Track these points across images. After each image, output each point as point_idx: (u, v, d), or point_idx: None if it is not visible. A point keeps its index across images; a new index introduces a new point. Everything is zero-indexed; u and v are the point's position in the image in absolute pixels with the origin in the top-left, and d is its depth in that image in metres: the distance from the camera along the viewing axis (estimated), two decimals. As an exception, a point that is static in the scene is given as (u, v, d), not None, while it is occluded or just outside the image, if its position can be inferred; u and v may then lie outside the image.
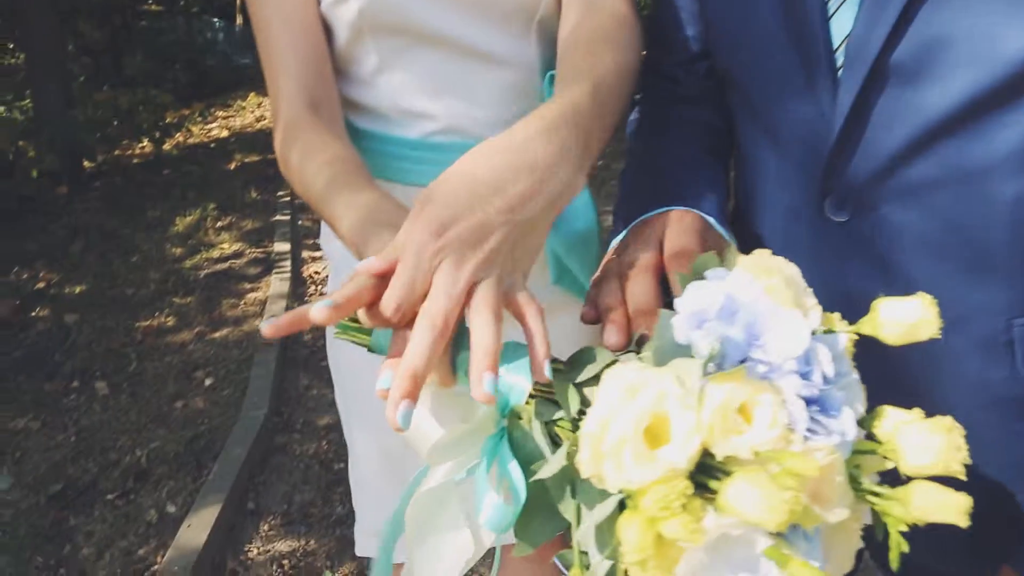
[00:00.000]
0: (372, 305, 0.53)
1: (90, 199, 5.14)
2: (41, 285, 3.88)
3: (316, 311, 0.50)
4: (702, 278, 0.51)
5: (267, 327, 0.51)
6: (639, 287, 0.59)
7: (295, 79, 0.81)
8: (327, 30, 0.85)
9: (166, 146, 6.27)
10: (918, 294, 0.49)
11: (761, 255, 0.52)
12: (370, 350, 0.58)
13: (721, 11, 0.75)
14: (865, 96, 0.61)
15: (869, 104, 0.62)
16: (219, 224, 4.63)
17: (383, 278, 0.53)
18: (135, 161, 6.05)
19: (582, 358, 0.53)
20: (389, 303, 0.51)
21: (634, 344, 0.56)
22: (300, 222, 4.60)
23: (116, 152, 6.08)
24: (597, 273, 0.65)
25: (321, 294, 3.68)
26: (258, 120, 7.15)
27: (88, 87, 6.47)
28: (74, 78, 6.00)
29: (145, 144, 6.24)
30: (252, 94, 7.96)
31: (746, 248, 0.55)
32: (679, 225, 0.64)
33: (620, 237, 0.69)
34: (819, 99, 0.64)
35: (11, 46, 8.09)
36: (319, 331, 3.32)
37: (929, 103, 0.59)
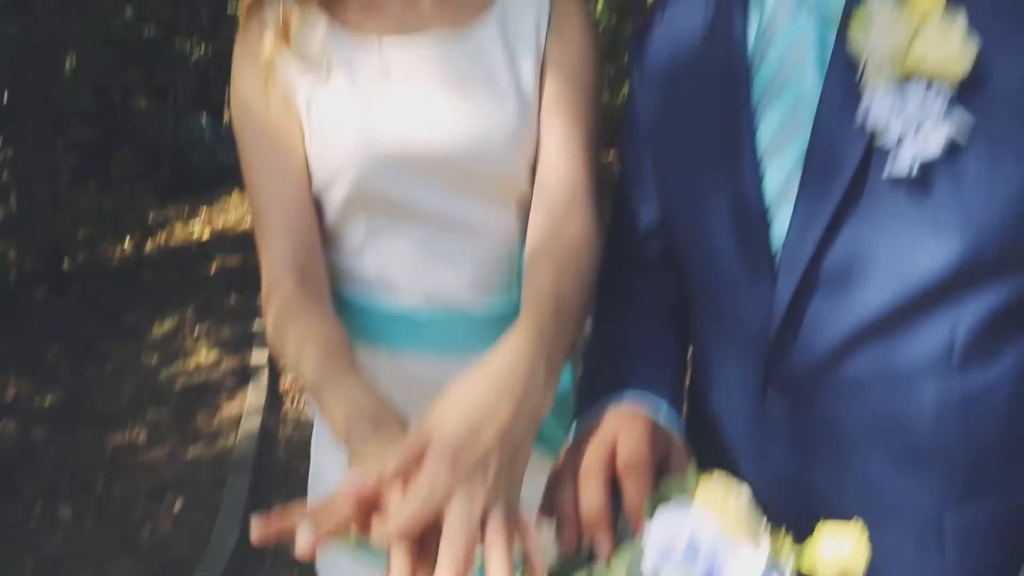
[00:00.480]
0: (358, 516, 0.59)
1: (68, 303, 5.12)
2: (10, 397, 3.81)
3: (301, 546, 0.55)
4: (667, 499, 0.60)
5: (256, 531, 0.56)
6: (590, 492, 0.64)
7: (285, 252, 0.87)
8: (317, 204, 0.91)
9: (147, 247, 6.30)
10: (854, 523, 0.55)
11: (717, 482, 0.59)
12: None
13: (675, 202, 0.81)
14: (799, 298, 0.67)
15: (803, 305, 0.68)
16: (197, 331, 4.62)
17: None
18: (115, 263, 6.06)
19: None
20: (396, 528, 0.56)
21: (585, 555, 0.63)
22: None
23: (96, 252, 6.09)
24: (554, 468, 0.70)
25: (299, 408, 3.65)
26: (241, 220, 7.23)
27: (74, 185, 6.53)
28: (61, 176, 6.07)
29: (126, 244, 6.27)
30: (236, 191, 8.07)
31: (701, 430, 0.59)
32: (630, 430, 0.68)
33: (574, 430, 0.75)
34: (762, 296, 0.70)
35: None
36: (294, 451, 3.28)
37: (857, 308, 0.65)
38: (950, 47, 0.56)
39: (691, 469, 0.65)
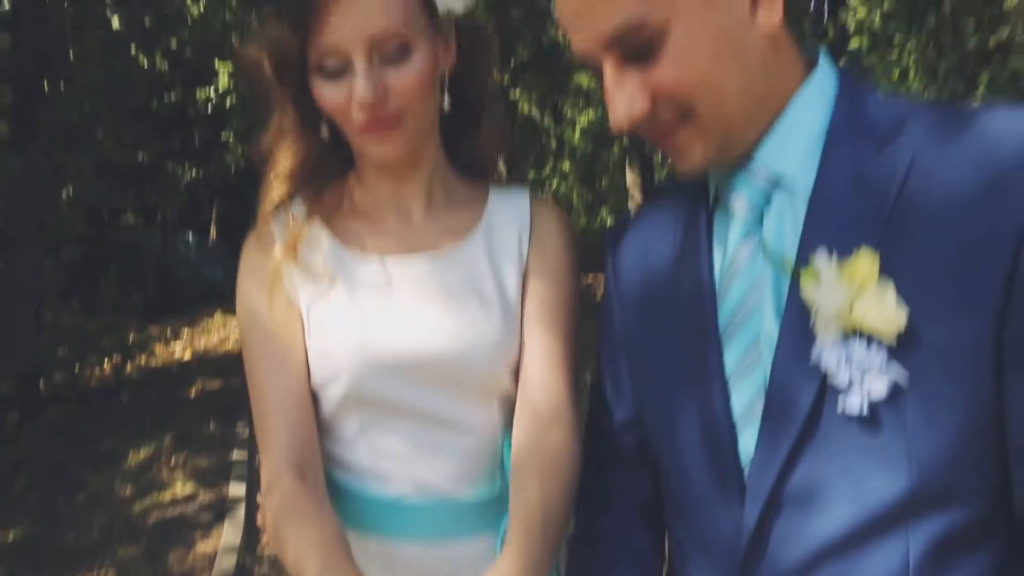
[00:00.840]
0: None
1: (41, 427, 5.04)
2: (-25, 532, 3.69)
3: None
4: None
5: None
6: None
7: (285, 447, 0.93)
8: (315, 398, 0.97)
9: (127, 369, 6.27)
10: None
11: None
12: None
13: (649, 411, 0.88)
14: (765, 518, 0.73)
15: (769, 525, 0.73)
16: (174, 460, 4.54)
17: None
18: (93, 385, 6.01)
19: None
20: None
21: None
22: (257, 461, 4.54)
23: (75, 373, 6.04)
24: None
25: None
26: (222, 341, 7.24)
27: (59, 305, 6.55)
28: (46, 296, 6.10)
29: (106, 366, 6.23)
30: (219, 312, 8.12)
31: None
32: None
33: None
34: (731, 512, 0.76)
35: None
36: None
37: (817, 530, 0.71)
38: (885, 310, 0.66)
39: None
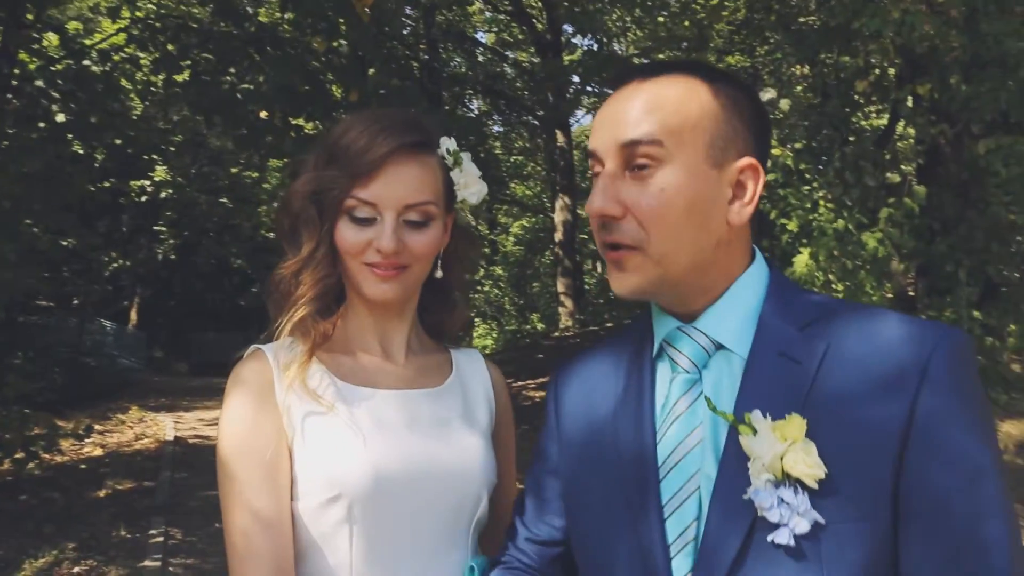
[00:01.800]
0: None
1: (-72, 530, 4.64)
2: None
3: None
4: None
5: None
6: None
7: (271, 571, 0.98)
8: (301, 521, 1.02)
9: (30, 465, 5.88)
10: None
11: None
12: None
13: (582, 537, 0.97)
14: None
15: None
16: (76, 570, 4.25)
17: None
18: (-10, 482, 5.61)
19: None
20: None
21: None
22: (171, 568, 4.30)
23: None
24: None
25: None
26: (137, 438, 6.92)
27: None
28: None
29: (6, 463, 5.83)
30: (134, 407, 7.79)
31: None
32: None
33: None
34: None
35: None
36: None
37: None
38: (810, 463, 0.78)
39: None
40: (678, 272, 0.89)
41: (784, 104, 5.28)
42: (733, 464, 0.85)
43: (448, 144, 1.14)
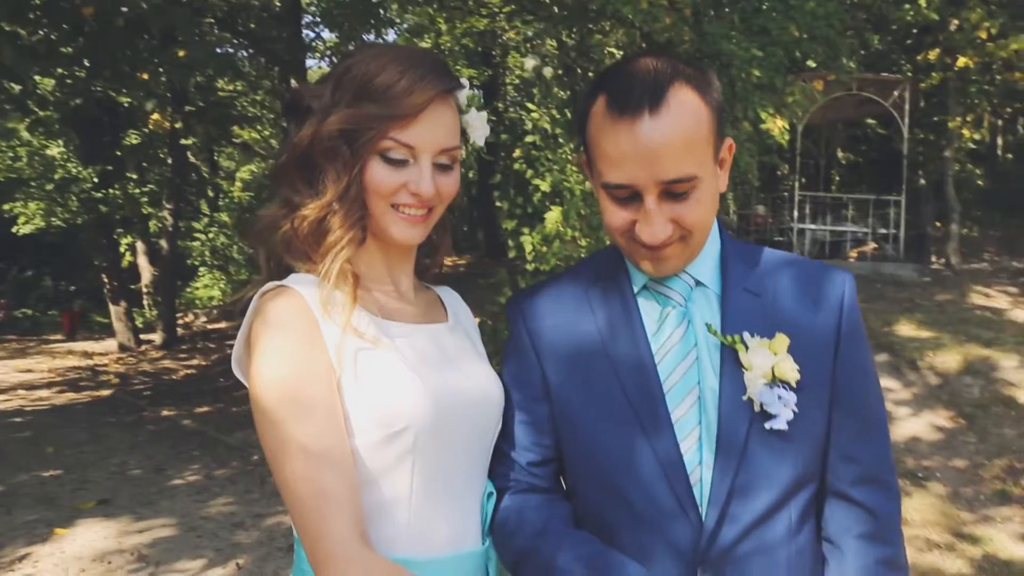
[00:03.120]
0: None
1: None
2: None
3: None
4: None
5: None
6: None
7: (353, 518, 0.97)
8: (362, 457, 1.04)
9: None
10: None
11: None
12: None
13: (587, 453, 1.17)
14: (722, 518, 1.10)
15: (722, 519, 1.10)
16: None
17: None
18: None
19: None
20: None
21: None
22: None
23: None
24: None
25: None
26: None
27: None
28: None
29: None
30: None
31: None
32: None
33: None
34: (688, 519, 1.10)
35: None
36: None
37: (751, 512, 1.11)
38: (793, 368, 1.10)
39: None
40: (700, 246, 1.14)
41: (548, 72, 5.78)
42: (732, 376, 1.13)
43: (467, 90, 1.18)
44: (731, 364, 1.13)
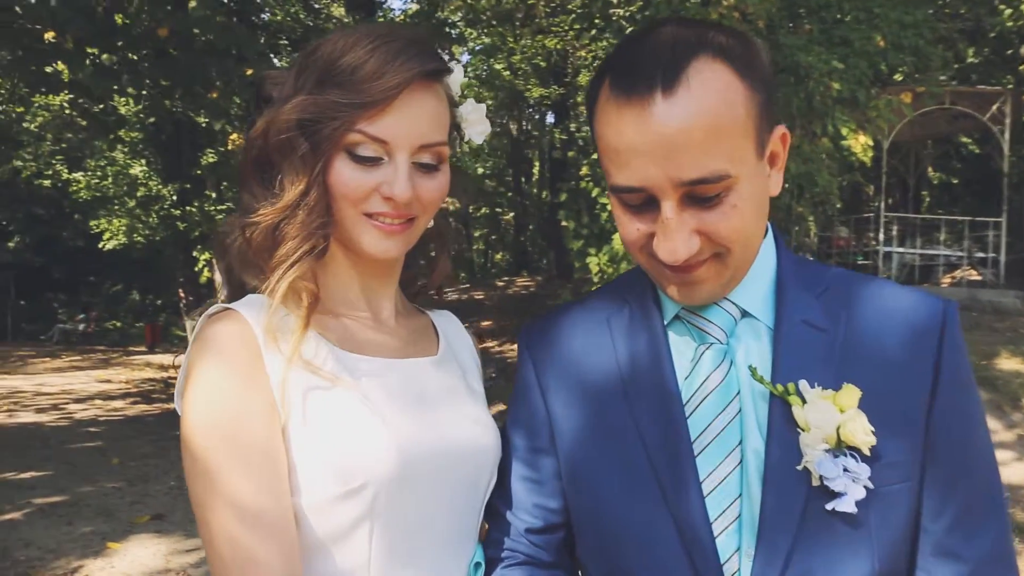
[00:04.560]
0: None
1: None
2: None
3: None
4: None
5: None
6: None
7: None
8: (309, 520, 0.86)
9: None
10: None
11: None
12: None
13: (597, 516, 0.92)
14: None
15: None
16: None
17: None
18: None
19: None
20: None
21: None
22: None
23: None
24: None
25: None
26: None
27: None
28: None
29: None
30: None
31: None
32: None
33: None
34: None
35: None
36: None
37: None
38: (867, 431, 0.83)
39: None
40: (746, 265, 0.88)
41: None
42: (782, 437, 0.86)
43: (459, 75, 0.97)
44: (782, 421, 0.87)
